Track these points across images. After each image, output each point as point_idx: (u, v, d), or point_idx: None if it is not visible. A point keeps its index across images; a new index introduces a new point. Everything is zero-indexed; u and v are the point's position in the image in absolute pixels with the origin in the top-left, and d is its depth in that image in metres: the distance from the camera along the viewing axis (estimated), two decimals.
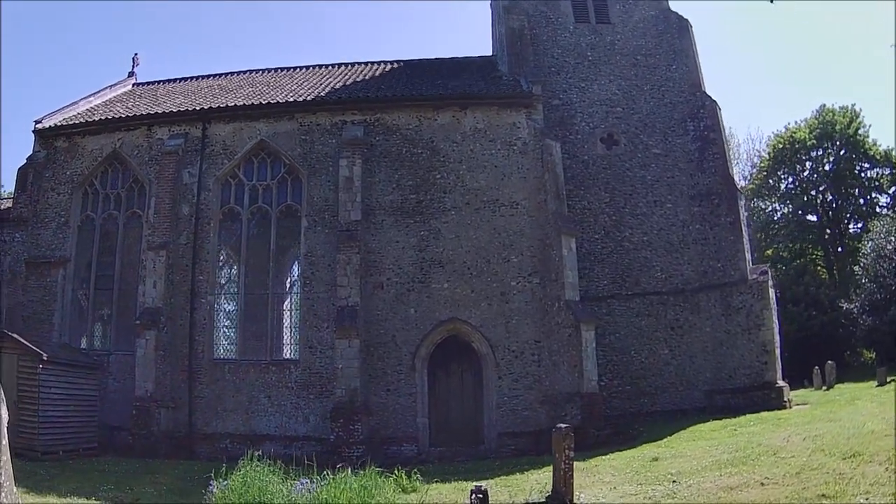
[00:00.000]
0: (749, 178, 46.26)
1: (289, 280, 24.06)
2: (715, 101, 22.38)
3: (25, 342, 18.27)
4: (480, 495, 9.59)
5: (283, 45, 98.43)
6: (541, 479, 12.58)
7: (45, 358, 17.83)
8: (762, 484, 9.48)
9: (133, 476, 15.02)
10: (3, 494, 7.35)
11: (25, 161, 23.78)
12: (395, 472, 12.88)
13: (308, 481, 10.12)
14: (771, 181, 44.69)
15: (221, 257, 23.04)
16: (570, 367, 18.99)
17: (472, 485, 12.79)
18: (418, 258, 20.75)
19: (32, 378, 17.68)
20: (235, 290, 22.55)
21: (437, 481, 13.71)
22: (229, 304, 22.59)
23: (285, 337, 22.25)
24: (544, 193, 20.37)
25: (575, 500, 10.11)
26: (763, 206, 45.32)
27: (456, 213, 20.86)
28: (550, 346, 19.63)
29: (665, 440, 16.17)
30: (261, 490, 9.64)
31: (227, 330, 22.26)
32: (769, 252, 42.06)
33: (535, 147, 20.85)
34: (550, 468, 14.28)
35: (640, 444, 16.39)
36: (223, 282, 22.77)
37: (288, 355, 21.59)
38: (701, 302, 21.34)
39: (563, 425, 10.51)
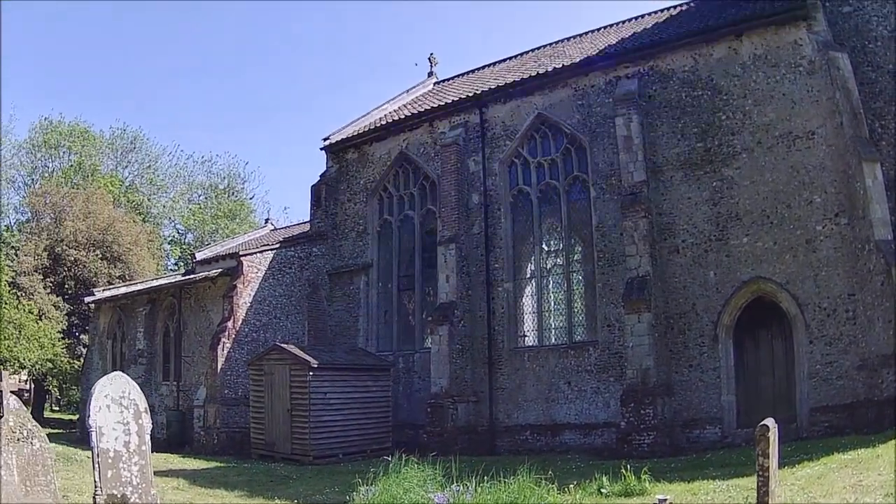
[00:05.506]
0: None
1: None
2: None
3: (296, 352, 22.82)
4: None
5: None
6: (803, 477, 12.61)
7: (314, 366, 21.75)
8: None
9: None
10: (137, 495, 10.04)
11: (318, 178, 29.04)
12: (624, 469, 13.48)
13: (460, 489, 10.90)
14: None
15: (522, 241, 25.50)
16: (884, 322, 18.11)
17: (712, 485, 13.30)
18: (713, 213, 21.44)
19: (303, 386, 21.95)
20: (531, 274, 25.19)
21: (679, 480, 14.28)
22: (527, 288, 25.22)
23: (584, 317, 24.08)
24: (839, 116, 19.90)
25: None
26: None
27: (747, 155, 21.23)
28: (864, 300, 18.99)
29: None
30: (392, 500, 10.78)
31: (526, 316, 24.89)
32: None
33: (822, 64, 20.50)
34: (841, 456, 13.86)
35: None
36: (519, 266, 25.38)
37: (586, 336, 23.46)
38: None
39: (767, 421, 9.53)
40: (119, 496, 9.59)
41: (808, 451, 14.74)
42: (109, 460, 9.71)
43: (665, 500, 10.07)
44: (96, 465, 9.58)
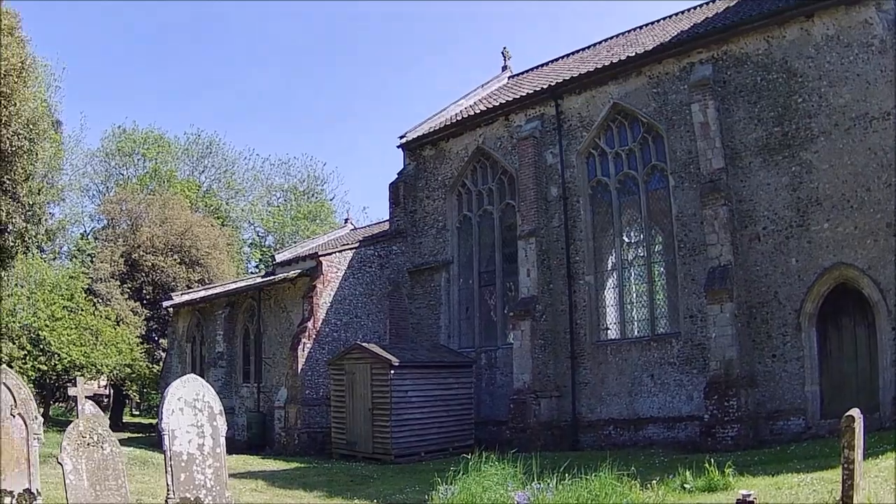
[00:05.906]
0: None
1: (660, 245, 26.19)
2: None
3: (377, 350, 24.04)
4: None
5: None
6: (886, 468, 12.70)
7: (395, 364, 22.69)
8: None
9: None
10: (211, 497, 10.57)
11: (396, 176, 30.61)
12: (707, 464, 13.56)
13: (541, 487, 11.31)
14: None
15: (602, 233, 26.25)
16: None
17: (796, 478, 13.58)
18: (792, 199, 21.78)
19: (384, 384, 23.26)
20: (612, 266, 26.03)
21: (762, 474, 14.41)
22: (608, 281, 26.07)
23: (666, 309, 24.78)
24: None
25: None
26: None
27: (825, 138, 21.53)
28: None
29: None
30: (471, 498, 11.25)
31: (608, 309, 25.74)
32: None
33: (892, 43, 20.85)
34: None
35: None
36: (600, 259, 26.16)
37: (668, 328, 24.14)
38: None
39: (853, 412, 9.68)
40: (192, 499, 10.19)
41: (891, 442, 15.01)
42: (182, 463, 10.36)
43: (749, 495, 10.16)
44: (169, 469, 10.22)
